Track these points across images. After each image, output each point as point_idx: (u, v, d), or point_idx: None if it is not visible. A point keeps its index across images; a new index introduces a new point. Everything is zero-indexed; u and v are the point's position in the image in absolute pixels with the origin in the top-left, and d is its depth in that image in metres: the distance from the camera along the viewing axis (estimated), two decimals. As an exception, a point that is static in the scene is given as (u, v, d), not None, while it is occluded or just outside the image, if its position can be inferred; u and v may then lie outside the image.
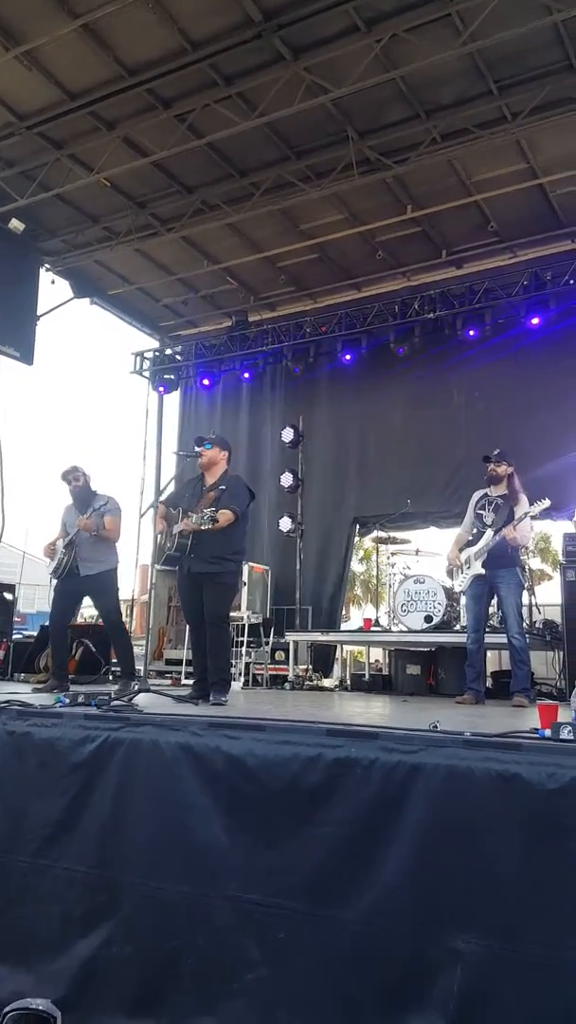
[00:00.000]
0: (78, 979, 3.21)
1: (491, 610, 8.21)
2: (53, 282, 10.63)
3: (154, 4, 6.62)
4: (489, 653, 8.65)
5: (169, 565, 5.68)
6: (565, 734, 2.97)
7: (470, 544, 6.41)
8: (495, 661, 8.91)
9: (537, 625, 8.28)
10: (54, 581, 6.31)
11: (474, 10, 6.47)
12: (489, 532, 6.19)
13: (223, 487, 5.47)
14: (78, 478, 6.33)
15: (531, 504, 6.26)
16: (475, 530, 6.41)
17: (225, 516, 5.16)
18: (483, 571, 6.17)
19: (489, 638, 7.83)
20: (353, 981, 2.73)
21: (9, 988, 3.23)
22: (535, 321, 9.40)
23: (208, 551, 5.31)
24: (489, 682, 8.46)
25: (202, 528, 5.08)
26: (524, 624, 6.28)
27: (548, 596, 8.93)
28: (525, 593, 7.68)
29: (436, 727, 3.18)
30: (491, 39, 6.65)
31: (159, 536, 5.62)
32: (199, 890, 3.09)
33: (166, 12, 6.75)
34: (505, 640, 6.30)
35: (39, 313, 10.21)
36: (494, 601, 6.54)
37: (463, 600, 7.95)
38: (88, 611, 8.32)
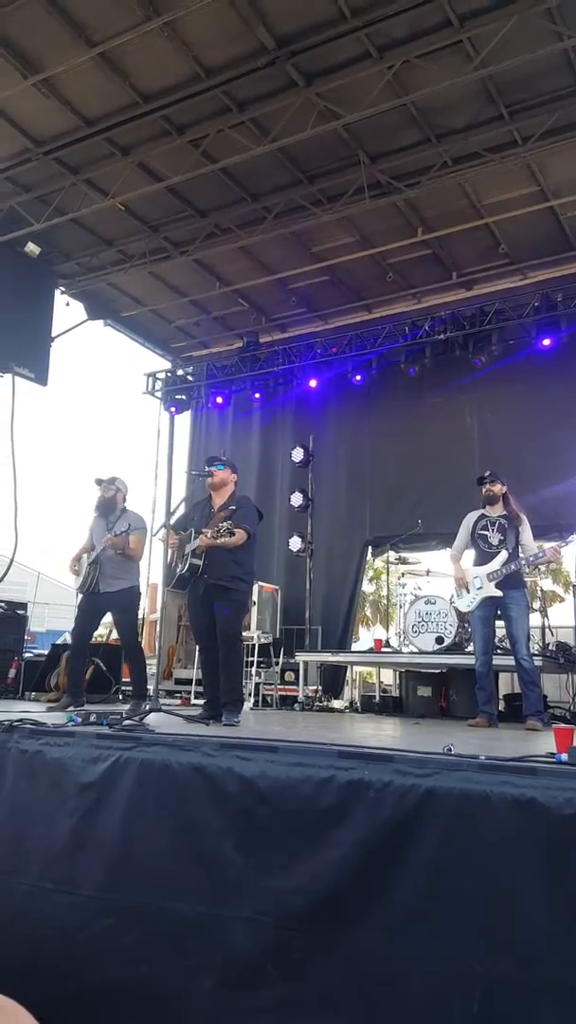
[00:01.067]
0: (85, 1001, 3.19)
1: (502, 631, 8.21)
2: (68, 304, 10.77)
3: (169, 32, 6.74)
4: (501, 675, 8.64)
5: (180, 587, 5.68)
6: (582, 759, 2.93)
7: (477, 565, 6.39)
8: (507, 683, 8.86)
9: (550, 647, 8.23)
10: (79, 597, 6.33)
11: (485, 36, 6.57)
12: (503, 554, 6.16)
13: (233, 507, 5.51)
14: (111, 489, 6.37)
15: (530, 521, 6.31)
16: (476, 552, 6.39)
17: (239, 535, 5.18)
18: (499, 593, 6.14)
19: (499, 660, 7.82)
20: (370, 1001, 2.71)
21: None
22: (546, 342, 9.44)
23: (220, 571, 5.33)
24: (502, 705, 8.42)
25: (217, 541, 5.10)
26: (537, 646, 6.25)
27: (561, 618, 8.88)
28: (538, 614, 7.67)
29: (450, 750, 3.16)
30: (502, 65, 6.74)
31: (171, 556, 5.62)
32: (215, 909, 3.06)
33: (181, 40, 6.87)
34: (511, 662, 6.26)
35: (54, 335, 10.30)
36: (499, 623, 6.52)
37: (462, 622, 7.96)
38: (99, 628, 8.31)
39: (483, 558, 6.29)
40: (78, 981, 3.22)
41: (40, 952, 3.35)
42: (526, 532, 6.22)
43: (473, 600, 6.31)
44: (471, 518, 6.54)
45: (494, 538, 6.27)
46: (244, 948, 2.95)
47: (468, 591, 6.36)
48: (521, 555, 6.12)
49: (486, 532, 6.34)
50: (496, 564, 6.17)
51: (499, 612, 6.31)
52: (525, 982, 2.49)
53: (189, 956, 3.05)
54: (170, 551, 5.61)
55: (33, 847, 3.57)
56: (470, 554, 6.60)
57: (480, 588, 6.25)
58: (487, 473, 6.44)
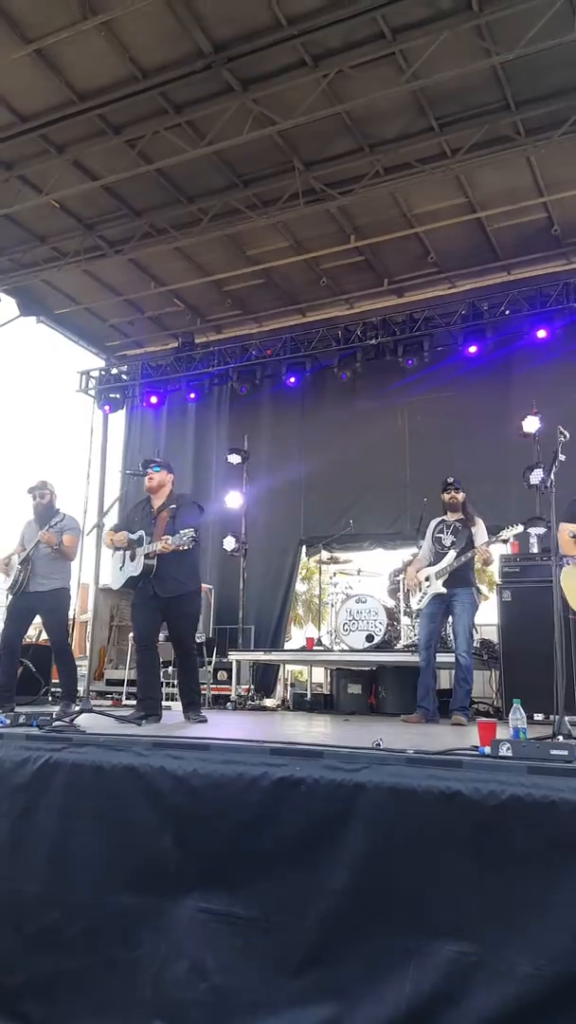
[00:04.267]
0: (37, 994, 3.23)
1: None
2: (0, 300, 10.59)
3: (106, 32, 6.73)
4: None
5: (129, 587, 5.69)
6: (504, 751, 3.05)
7: (430, 565, 6.59)
8: (441, 680, 9.07)
9: (475, 645, 8.47)
10: (8, 598, 6.28)
11: (417, 50, 6.76)
12: (451, 553, 6.37)
13: (174, 506, 5.56)
14: (44, 494, 6.38)
15: (482, 524, 6.52)
16: (432, 554, 6.60)
17: (190, 536, 5.24)
18: (444, 590, 6.35)
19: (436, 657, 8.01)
20: (307, 986, 2.79)
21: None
22: (472, 349, 9.72)
23: (172, 572, 5.39)
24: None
25: (182, 549, 5.16)
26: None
27: (485, 617, 9.15)
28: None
29: (379, 745, 3.25)
30: (433, 78, 6.96)
31: (121, 557, 5.62)
32: (157, 901, 3.12)
33: (118, 41, 6.86)
34: (447, 660, 6.48)
35: (-16, 330, 10.14)
36: (448, 621, 6.73)
37: (412, 618, 8.15)
38: (29, 629, 8.23)
39: (436, 559, 6.51)
40: (27, 971, 3.27)
41: None
42: (480, 533, 6.45)
43: (423, 597, 6.52)
44: (432, 525, 6.78)
45: (447, 540, 6.50)
46: (185, 939, 3.01)
47: (420, 591, 6.58)
48: (473, 550, 6.33)
49: (441, 535, 6.57)
50: (445, 563, 6.39)
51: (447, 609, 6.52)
52: (456, 960, 2.61)
53: (136, 946, 3.10)
54: (117, 552, 5.61)
55: None
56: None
57: (429, 585, 6.45)
58: (451, 480, 6.64)
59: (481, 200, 8.84)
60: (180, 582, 5.45)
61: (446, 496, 6.63)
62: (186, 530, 5.17)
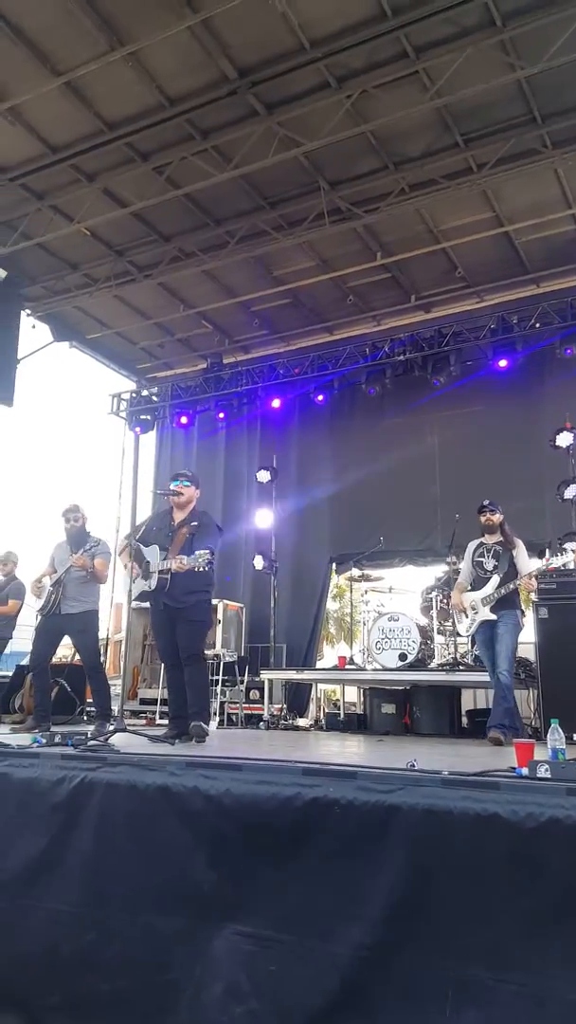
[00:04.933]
0: (72, 1016, 3.22)
1: (466, 646, 8.33)
2: (34, 326, 10.76)
3: (133, 63, 6.86)
4: (465, 691, 8.75)
5: (142, 601, 5.71)
6: (542, 772, 2.99)
7: (472, 590, 6.54)
8: (470, 699, 8.97)
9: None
10: (37, 619, 6.34)
11: (441, 67, 6.79)
12: (495, 578, 6.32)
13: (195, 523, 5.56)
14: (78, 518, 6.46)
15: (523, 546, 6.46)
16: (474, 578, 6.55)
17: (205, 556, 5.24)
18: (493, 616, 6.29)
19: (463, 675, 7.93)
20: (345, 1009, 2.74)
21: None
22: (503, 363, 9.64)
23: (181, 586, 5.38)
24: (465, 721, 8.52)
25: (198, 570, 5.15)
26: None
27: (521, 634, 9.05)
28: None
29: (413, 766, 3.20)
30: (457, 94, 6.99)
31: (133, 571, 5.64)
32: (192, 923, 3.09)
33: (144, 70, 6.99)
34: (481, 678, 6.43)
35: (20, 356, 10.28)
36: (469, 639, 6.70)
37: (446, 637, 8.11)
38: (63, 650, 8.31)
39: (479, 584, 6.45)
40: (63, 993, 3.26)
41: (24, 964, 3.38)
42: (521, 556, 6.38)
43: (472, 624, 6.47)
44: (471, 547, 6.72)
45: (489, 564, 6.44)
46: (220, 962, 2.98)
47: (467, 616, 6.53)
48: (517, 579, 6.30)
49: (482, 559, 6.52)
50: (489, 589, 6.33)
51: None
52: (496, 985, 2.55)
53: (171, 969, 3.07)
54: (132, 567, 5.63)
55: (10, 865, 3.58)
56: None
57: (477, 613, 6.40)
58: (487, 503, 6.59)
59: (508, 214, 8.84)
60: (189, 591, 5.41)
61: (482, 518, 6.57)
62: (202, 552, 5.17)
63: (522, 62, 6.71)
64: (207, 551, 5.17)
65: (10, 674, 9.21)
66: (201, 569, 5.14)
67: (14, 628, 7.84)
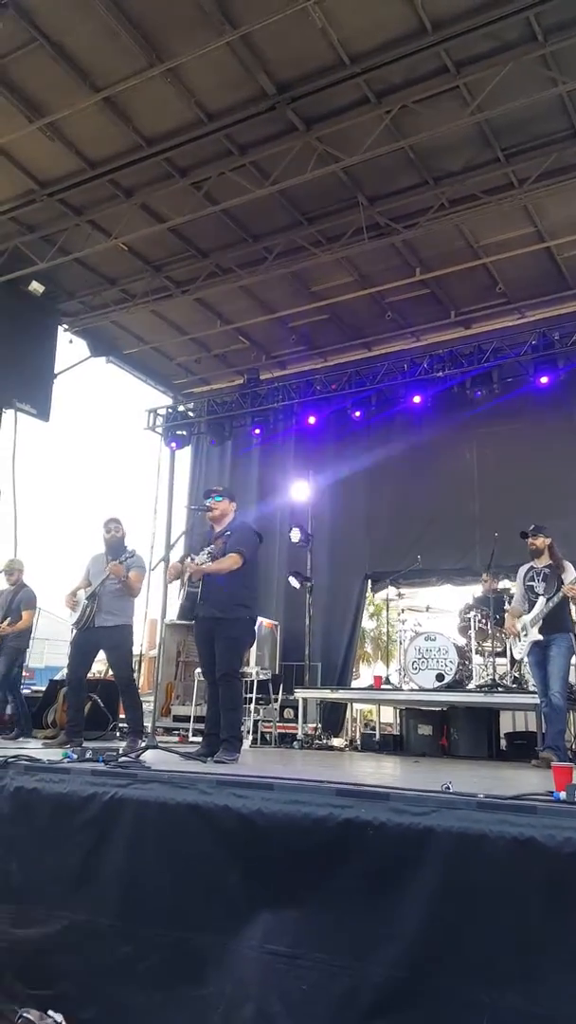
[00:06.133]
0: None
1: (505, 667, 8.17)
2: (71, 342, 10.92)
3: (172, 78, 6.92)
4: (504, 714, 8.57)
5: (185, 618, 5.67)
6: (581, 797, 2.90)
7: (526, 613, 6.51)
8: (509, 722, 8.79)
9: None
10: (73, 633, 6.33)
11: (481, 82, 6.74)
12: (542, 600, 6.31)
13: (228, 532, 5.50)
14: (118, 529, 6.49)
15: (572, 568, 6.35)
16: (526, 602, 6.54)
17: (231, 559, 5.18)
18: (541, 637, 6.28)
19: (502, 697, 7.76)
20: None
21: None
22: (544, 380, 9.50)
23: (216, 597, 5.29)
24: (503, 744, 8.34)
25: (204, 568, 5.11)
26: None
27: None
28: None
29: (448, 788, 3.14)
30: (498, 109, 6.93)
31: (181, 590, 5.61)
32: (224, 940, 3.07)
33: (183, 86, 7.05)
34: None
35: (56, 371, 10.41)
36: (519, 658, 6.67)
37: (485, 658, 7.98)
38: (97, 665, 8.31)
39: (530, 607, 6.47)
40: (100, 1005, 3.27)
41: (59, 976, 3.40)
42: (568, 575, 6.29)
43: (524, 647, 6.47)
44: (522, 571, 6.72)
45: (539, 587, 6.45)
46: (252, 980, 2.94)
47: (519, 640, 6.55)
48: (561, 592, 6.26)
49: (532, 583, 6.52)
50: (537, 609, 6.34)
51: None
52: (530, 1013, 2.48)
53: (203, 984, 3.05)
54: (176, 584, 5.60)
55: (44, 879, 3.59)
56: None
57: (527, 635, 6.40)
58: (530, 528, 6.59)
59: (550, 229, 8.73)
60: (231, 605, 5.31)
61: (527, 543, 6.54)
62: (208, 547, 5.17)
63: (564, 77, 6.64)
64: (211, 547, 5.17)
65: (43, 689, 9.24)
66: (203, 562, 5.10)
67: (30, 637, 7.81)
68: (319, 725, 9.41)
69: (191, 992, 3.07)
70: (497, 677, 8.04)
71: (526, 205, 8.28)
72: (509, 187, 8.02)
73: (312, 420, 11.08)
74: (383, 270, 9.55)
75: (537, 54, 6.52)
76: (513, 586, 7.54)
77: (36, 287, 9.61)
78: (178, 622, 6.02)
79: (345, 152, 7.44)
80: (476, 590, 9.14)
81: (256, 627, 6.19)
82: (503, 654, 8.08)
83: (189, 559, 5.32)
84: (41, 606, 7.98)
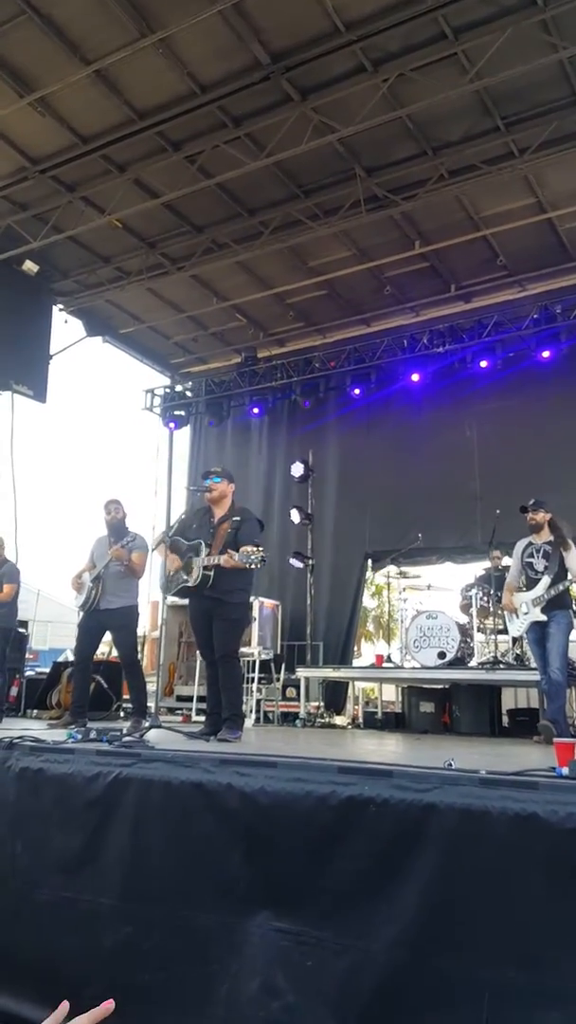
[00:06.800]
0: (118, 1005, 3.17)
1: (506, 644, 8.16)
2: (66, 321, 10.81)
3: (164, 49, 6.77)
4: (506, 690, 8.57)
5: (181, 596, 5.64)
6: (583, 772, 2.89)
7: (522, 590, 6.45)
8: (511, 698, 8.79)
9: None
10: (79, 615, 6.33)
11: (480, 49, 6.59)
12: (545, 579, 6.24)
13: (236, 519, 5.45)
14: (119, 510, 6.48)
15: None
16: (524, 578, 6.48)
17: (260, 554, 5.14)
18: (544, 617, 6.23)
19: (504, 674, 7.76)
20: (380, 1009, 2.69)
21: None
22: (546, 354, 9.40)
23: (222, 583, 5.29)
24: (505, 720, 8.35)
25: (249, 567, 5.07)
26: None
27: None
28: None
29: (451, 765, 3.12)
30: (497, 77, 6.77)
31: (170, 566, 5.58)
32: (228, 918, 3.07)
33: (175, 57, 6.90)
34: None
35: (52, 352, 10.31)
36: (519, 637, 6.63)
37: (486, 635, 7.95)
38: (100, 646, 8.31)
39: (530, 584, 6.40)
40: (104, 984, 3.25)
41: (63, 956, 3.40)
42: (571, 556, 6.23)
43: (522, 625, 6.42)
44: (519, 547, 6.63)
45: (539, 564, 6.37)
46: (257, 957, 2.95)
47: (517, 617, 6.47)
48: (567, 579, 6.21)
49: (532, 559, 6.44)
50: (539, 590, 6.27)
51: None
52: (530, 989, 2.48)
53: (208, 963, 3.06)
54: (169, 562, 5.57)
55: (50, 859, 3.59)
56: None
57: (527, 613, 6.34)
58: (530, 502, 6.49)
59: (552, 199, 8.59)
60: (231, 589, 5.32)
61: (527, 518, 6.44)
62: (252, 548, 5.04)
63: (564, 42, 6.48)
64: (258, 548, 5.07)
65: (47, 671, 9.27)
66: (255, 566, 5.04)
67: (16, 616, 7.72)
68: (321, 704, 9.43)
69: (196, 970, 3.08)
70: (499, 654, 8.04)
71: (527, 175, 8.13)
72: (509, 156, 7.88)
73: (311, 398, 10.99)
74: (381, 243, 9.40)
75: (537, 19, 6.36)
76: None
77: (30, 266, 9.51)
78: (180, 602, 6.00)
79: (341, 123, 7.29)
80: (477, 568, 9.11)
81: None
82: (504, 631, 8.06)
83: (227, 555, 5.17)
84: (40, 589, 7.92)
